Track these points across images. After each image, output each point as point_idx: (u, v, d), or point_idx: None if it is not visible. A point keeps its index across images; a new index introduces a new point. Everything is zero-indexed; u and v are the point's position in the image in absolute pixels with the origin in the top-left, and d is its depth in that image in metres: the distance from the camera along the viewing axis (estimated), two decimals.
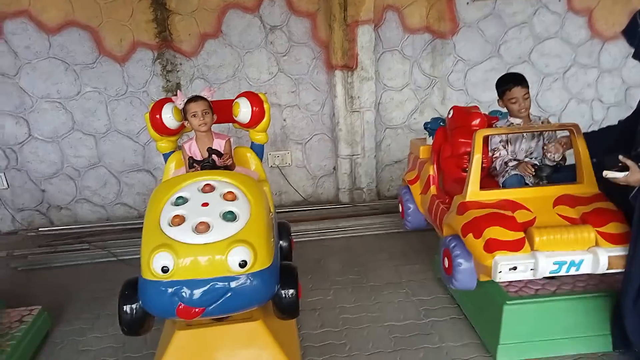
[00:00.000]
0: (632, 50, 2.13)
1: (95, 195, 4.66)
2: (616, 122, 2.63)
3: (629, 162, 2.00)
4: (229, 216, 2.07)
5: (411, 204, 3.29)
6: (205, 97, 2.57)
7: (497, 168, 2.81)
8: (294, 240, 3.06)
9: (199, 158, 2.53)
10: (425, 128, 3.43)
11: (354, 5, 4.21)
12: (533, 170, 2.60)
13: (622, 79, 4.93)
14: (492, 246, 2.19)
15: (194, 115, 2.53)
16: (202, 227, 2.00)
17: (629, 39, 2.11)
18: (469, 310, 2.80)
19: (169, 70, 4.42)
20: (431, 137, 3.26)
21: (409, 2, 4.46)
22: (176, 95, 2.59)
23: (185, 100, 2.56)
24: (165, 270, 1.89)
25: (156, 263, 1.89)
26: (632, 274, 2.13)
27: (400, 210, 3.50)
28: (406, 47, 4.59)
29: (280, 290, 2.10)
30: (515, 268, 2.14)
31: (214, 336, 2.22)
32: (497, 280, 2.16)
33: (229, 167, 2.54)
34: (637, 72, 4.90)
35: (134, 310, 2.01)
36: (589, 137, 2.49)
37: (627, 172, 2.00)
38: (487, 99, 4.75)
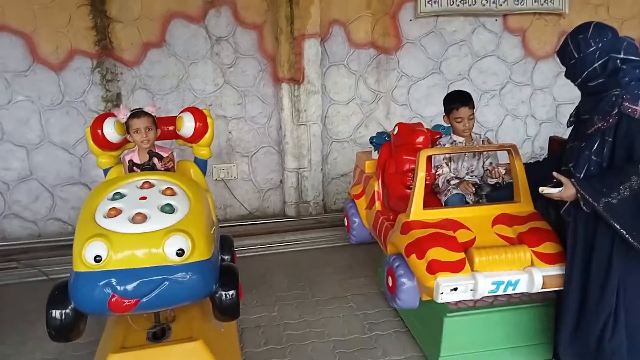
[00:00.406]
0: (564, 70, 2.25)
1: (26, 210, 4.38)
2: (547, 138, 2.77)
3: (562, 179, 2.10)
4: (167, 208, 2.04)
5: (356, 218, 3.31)
6: (149, 112, 2.53)
7: (440, 185, 2.89)
8: (238, 255, 3.01)
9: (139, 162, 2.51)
10: (370, 142, 3.47)
11: (300, 18, 4.23)
12: (473, 188, 2.69)
13: (552, 97, 5.22)
14: (435, 267, 2.23)
15: (137, 132, 2.50)
16: (139, 218, 1.96)
17: (561, 59, 2.24)
18: (411, 323, 2.84)
19: (109, 79, 4.26)
20: (377, 151, 3.30)
21: (355, 17, 4.54)
22: (118, 108, 2.54)
23: (129, 115, 2.50)
24: (98, 259, 1.84)
25: (88, 252, 1.84)
26: (568, 298, 2.20)
27: (346, 224, 3.51)
28: (352, 62, 4.66)
29: (220, 291, 2.06)
30: (456, 289, 2.18)
31: (152, 358, 2.13)
32: (439, 301, 2.20)
33: (170, 170, 2.51)
34: (567, 90, 5.20)
35: (64, 313, 1.91)
36: (529, 168, 2.57)
37: (561, 188, 2.10)
38: (430, 114, 4.90)
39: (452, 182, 2.83)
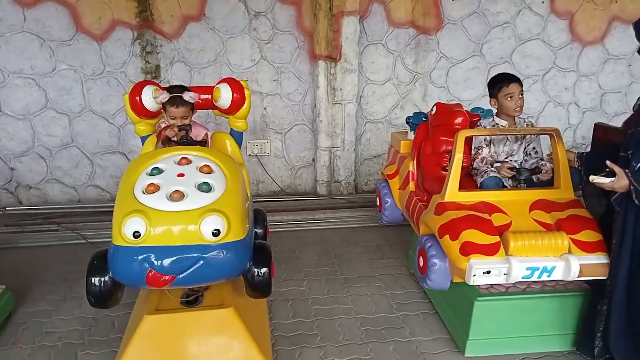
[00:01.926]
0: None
1: (67, 176, 4.53)
2: (591, 127, 2.65)
3: (616, 169, 2.01)
4: (204, 187, 2.06)
5: (389, 198, 3.29)
6: (189, 100, 2.52)
7: (480, 166, 2.82)
8: (270, 230, 3.03)
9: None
10: (407, 122, 3.42)
11: None
12: (512, 173, 2.62)
13: (598, 84, 5.02)
14: (468, 249, 2.20)
15: (173, 118, 2.54)
16: (177, 196, 1.99)
17: (637, 32, 2.10)
18: (440, 305, 2.83)
19: (148, 51, 4.31)
20: (413, 132, 3.25)
21: None
22: (156, 95, 2.55)
23: (167, 98, 2.51)
24: (136, 235, 1.88)
25: (127, 228, 1.88)
26: (617, 290, 2.13)
27: (378, 204, 3.50)
28: (390, 41, 4.58)
29: (253, 268, 2.09)
30: (489, 272, 2.15)
31: (184, 322, 2.19)
32: (471, 283, 2.18)
33: (204, 145, 2.53)
34: (614, 78, 5.01)
35: (103, 281, 1.97)
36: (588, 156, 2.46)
37: (613, 178, 2.01)
38: (468, 97, 4.79)
39: (493, 165, 2.76)
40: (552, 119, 5.03)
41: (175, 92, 2.53)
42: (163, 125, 2.58)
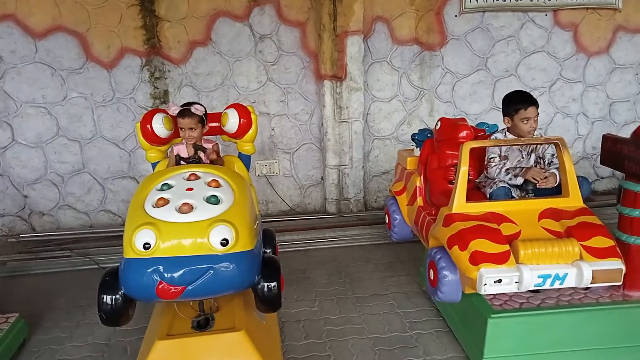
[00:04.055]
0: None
1: (79, 202, 4.59)
2: (601, 136, 2.63)
3: None
4: (213, 200, 2.11)
5: (398, 215, 3.28)
6: (195, 112, 2.65)
7: (493, 173, 2.80)
8: (280, 250, 3.03)
9: (186, 156, 2.63)
10: (412, 139, 3.43)
11: (343, 15, 4.23)
12: (544, 174, 2.60)
13: (606, 94, 5.00)
14: (478, 258, 2.18)
15: (182, 129, 2.67)
16: (186, 208, 2.03)
17: None
18: (454, 323, 2.79)
19: (157, 77, 4.39)
20: (418, 148, 3.26)
21: (398, 13, 4.50)
22: (166, 104, 2.68)
23: (178, 111, 2.66)
24: (147, 247, 1.91)
25: (138, 240, 1.91)
26: None
27: (387, 222, 3.48)
28: (395, 59, 4.62)
29: (262, 282, 2.09)
30: (500, 281, 2.13)
31: (196, 346, 2.18)
32: (482, 292, 2.15)
33: (215, 163, 2.64)
34: (621, 87, 4.98)
35: (114, 299, 1.99)
36: None
37: None
38: (475, 111, 4.79)
39: (513, 171, 2.72)
40: (560, 130, 5.00)
41: (185, 107, 2.70)
42: (176, 148, 2.71)
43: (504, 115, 2.83)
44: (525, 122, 2.71)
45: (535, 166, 2.79)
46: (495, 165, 2.80)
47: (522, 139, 2.75)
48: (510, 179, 2.72)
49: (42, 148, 4.40)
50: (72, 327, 2.98)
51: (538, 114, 2.73)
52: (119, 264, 2.04)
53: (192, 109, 2.65)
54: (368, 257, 3.88)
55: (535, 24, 4.71)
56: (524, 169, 2.70)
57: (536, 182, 2.61)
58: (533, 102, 2.71)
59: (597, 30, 4.78)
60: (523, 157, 2.82)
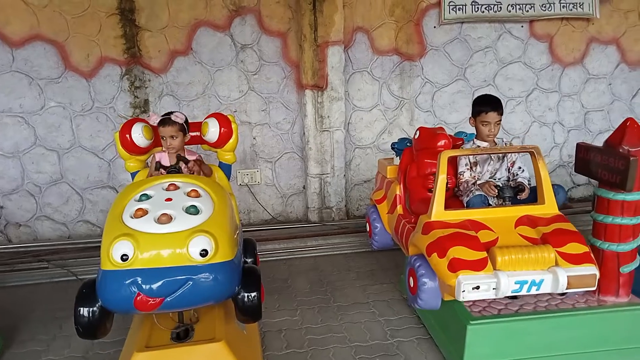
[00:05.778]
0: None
1: (57, 212, 4.52)
2: (575, 145, 2.70)
3: None
4: (192, 210, 2.10)
5: (378, 223, 3.30)
6: (175, 120, 2.65)
7: (465, 187, 2.87)
8: (261, 259, 3.03)
9: (167, 164, 2.62)
10: (392, 148, 3.47)
11: (324, 26, 4.27)
12: (496, 191, 2.67)
13: (581, 103, 5.12)
14: (456, 265, 2.22)
15: (163, 138, 2.66)
16: (164, 218, 2.02)
17: None
18: (434, 330, 2.81)
19: (137, 86, 4.36)
20: (398, 157, 3.29)
21: (378, 24, 4.56)
22: (147, 114, 2.68)
23: (159, 120, 2.66)
24: (124, 258, 1.89)
25: (116, 251, 1.90)
26: None
27: (368, 230, 3.51)
28: (375, 69, 4.67)
29: (242, 292, 2.09)
30: (478, 287, 2.16)
31: (175, 357, 2.16)
32: (461, 299, 2.18)
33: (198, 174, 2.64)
34: (596, 97, 5.11)
35: (91, 311, 1.96)
36: None
37: None
38: (454, 120, 4.86)
39: (476, 185, 2.81)
40: (537, 138, 5.10)
41: (165, 116, 2.70)
42: (157, 155, 2.71)
43: (470, 117, 2.92)
44: (484, 125, 2.80)
45: (508, 172, 2.86)
46: (464, 181, 2.88)
47: (498, 147, 2.83)
48: (477, 189, 2.78)
49: (19, 158, 4.33)
50: (48, 340, 2.92)
51: (500, 120, 2.81)
52: (95, 277, 2.01)
53: (173, 116, 2.65)
54: (350, 265, 3.89)
55: (512, 35, 4.81)
56: (481, 183, 2.78)
57: (491, 196, 2.70)
58: (495, 108, 2.79)
59: (572, 41, 4.91)
60: (492, 160, 2.89)
